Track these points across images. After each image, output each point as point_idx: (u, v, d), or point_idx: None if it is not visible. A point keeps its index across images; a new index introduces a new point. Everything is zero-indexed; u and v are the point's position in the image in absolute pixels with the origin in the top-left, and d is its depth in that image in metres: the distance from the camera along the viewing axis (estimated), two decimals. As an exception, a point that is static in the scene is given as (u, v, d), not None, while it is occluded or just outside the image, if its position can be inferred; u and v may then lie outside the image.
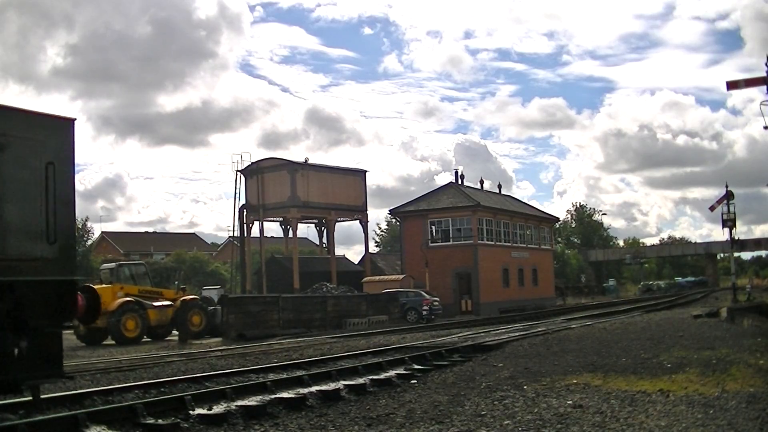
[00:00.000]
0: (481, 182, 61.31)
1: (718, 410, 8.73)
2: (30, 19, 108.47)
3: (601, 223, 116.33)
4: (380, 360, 14.90)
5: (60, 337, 8.13)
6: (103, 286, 28.64)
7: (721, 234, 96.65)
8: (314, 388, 11.18)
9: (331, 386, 11.48)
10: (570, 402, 9.60)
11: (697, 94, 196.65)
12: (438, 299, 43.33)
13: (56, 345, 7.99)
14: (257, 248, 55.97)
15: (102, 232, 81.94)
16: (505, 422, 8.51)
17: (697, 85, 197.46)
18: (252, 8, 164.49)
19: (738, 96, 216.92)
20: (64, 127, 8.07)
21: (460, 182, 57.43)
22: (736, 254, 50.47)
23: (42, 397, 8.97)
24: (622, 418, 8.46)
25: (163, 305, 30.90)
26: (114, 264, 32.83)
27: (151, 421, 8.72)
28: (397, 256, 59.31)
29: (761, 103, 22.93)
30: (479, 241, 51.38)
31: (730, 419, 8.21)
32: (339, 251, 63.87)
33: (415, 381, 12.54)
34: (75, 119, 8.21)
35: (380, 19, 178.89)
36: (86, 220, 65.13)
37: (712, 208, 40.84)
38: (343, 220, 57.56)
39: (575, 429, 8.04)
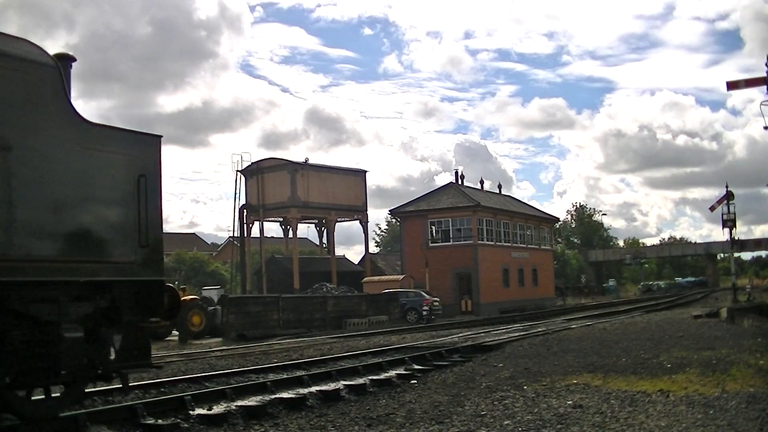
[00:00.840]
0: (481, 182, 61.39)
1: (718, 410, 8.73)
2: (30, 20, 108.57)
3: (601, 224, 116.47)
4: (380, 360, 14.90)
5: (149, 331, 8.99)
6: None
7: (721, 234, 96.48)
8: (314, 389, 11.18)
9: (331, 386, 11.48)
10: (570, 402, 9.60)
11: (697, 95, 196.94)
12: (438, 299, 43.32)
13: (145, 339, 8.87)
14: (257, 248, 55.97)
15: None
16: (505, 422, 8.51)
17: (697, 85, 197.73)
18: (252, 8, 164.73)
19: (738, 96, 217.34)
20: (153, 143, 8.92)
21: (460, 182, 57.45)
22: (736, 254, 50.45)
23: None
24: (622, 419, 8.46)
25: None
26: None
27: (151, 421, 8.72)
28: (397, 256, 59.32)
29: (761, 104, 22.95)
30: (479, 242, 51.38)
31: (730, 419, 8.21)
32: (339, 251, 63.96)
33: (415, 381, 12.54)
34: (162, 136, 9.04)
35: (380, 19, 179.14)
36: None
37: (712, 209, 40.82)
38: (343, 220, 57.59)
39: (575, 429, 8.04)
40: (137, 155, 8.53)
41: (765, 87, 22.35)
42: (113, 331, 8.29)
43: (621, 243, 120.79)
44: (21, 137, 7.25)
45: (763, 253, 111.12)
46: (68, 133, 7.77)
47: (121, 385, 8.83)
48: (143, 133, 8.88)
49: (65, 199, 7.65)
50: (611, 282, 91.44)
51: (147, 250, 8.49)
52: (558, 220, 78.38)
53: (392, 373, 13.25)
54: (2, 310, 7.25)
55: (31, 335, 7.46)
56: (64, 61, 8.18)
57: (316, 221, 57.47)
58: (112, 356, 8.31)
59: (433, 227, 52.44)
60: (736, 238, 42.89)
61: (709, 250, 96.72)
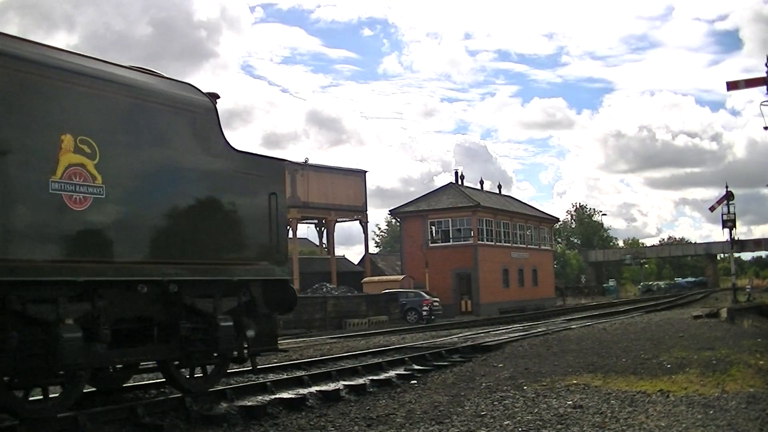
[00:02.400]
0: (481, 183, 61.39)
1: (718, 411, 8.74)
2: (31, 21, 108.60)
3: (601, 224, 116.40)
4: (380, 360, 14.89)
5: (276, 321, 10.75)
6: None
7: (721, 234, 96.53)
8: (314, 389, 11.16)
9: (331, 386, 11.47)
10: (570, 402, 9.60)
11: (696, 95, 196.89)
12: (438, 299, 43.31)
13: (274, 327, 10.65)
14: (257, 248, 55.87)
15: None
16: (505, 422, 8.51)
17: (697, 85, 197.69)
18: (252, 9, 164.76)
19: (738, 97, 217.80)
20: (279, 165, 10.73)
21: (460, 182, 57.43)
22: (736, 255, 50.45)
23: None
24: (622, 419, 8.46)
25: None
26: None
27: (151, 421, 8.71)
28: (397, 256, 59.29)
29: (761, 104, 22.98)
30: (479, 242, 51.39)
31: (730, 420, 8.22)
32: (339, 252, 64.02)
33: (415, 381, 12.54)
34: (287, 160, 10.76)
35: (380, 20, 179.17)
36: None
37: (712, 209, 40.82)
38: (343, 221, 57.51)
39: (575, 429, 8.04)
40: (269, 176, 10.27)
41: (765, 87, 22.39)
42: (251, 321, 9.99)
43: (621, 243, 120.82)
44: (197, 169, 9.06)
45: (763, 254, 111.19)
46: (225, 161, 9.50)
47: (251, 367, 10.74)
48: (273, 158, 10.68)
49: (225, 214, 9.54)
50: (611, 282, 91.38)
51: (277, 254, 10.26)
52: (558, 220, 78.36)
53: (392, 373, 13.24)
54: (177, 305, 8.96)
55: (196, 324, 9.20)
56: (214, 98, 9.81)
57: (316, 221, 57.42)
58: (246, 343, 10.00)
59: (433, 227, 52.43)
60: (736, 238, 42.92)
61: (709, 250, 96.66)
